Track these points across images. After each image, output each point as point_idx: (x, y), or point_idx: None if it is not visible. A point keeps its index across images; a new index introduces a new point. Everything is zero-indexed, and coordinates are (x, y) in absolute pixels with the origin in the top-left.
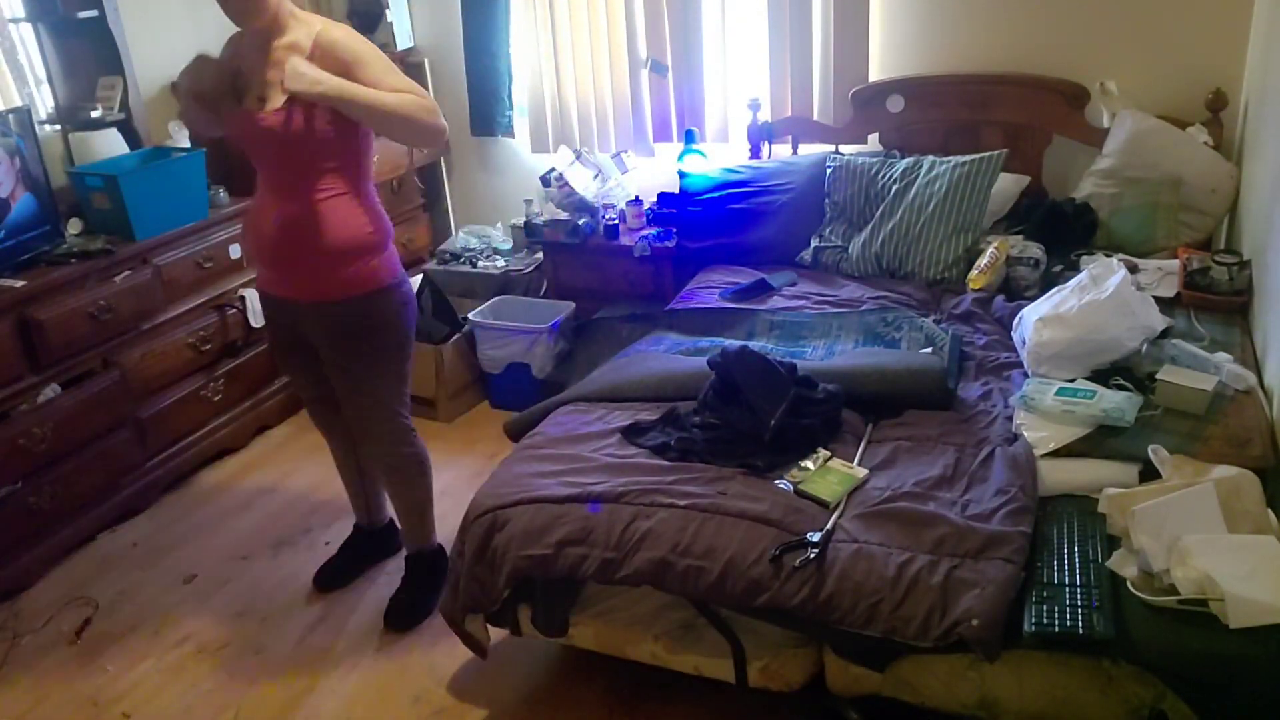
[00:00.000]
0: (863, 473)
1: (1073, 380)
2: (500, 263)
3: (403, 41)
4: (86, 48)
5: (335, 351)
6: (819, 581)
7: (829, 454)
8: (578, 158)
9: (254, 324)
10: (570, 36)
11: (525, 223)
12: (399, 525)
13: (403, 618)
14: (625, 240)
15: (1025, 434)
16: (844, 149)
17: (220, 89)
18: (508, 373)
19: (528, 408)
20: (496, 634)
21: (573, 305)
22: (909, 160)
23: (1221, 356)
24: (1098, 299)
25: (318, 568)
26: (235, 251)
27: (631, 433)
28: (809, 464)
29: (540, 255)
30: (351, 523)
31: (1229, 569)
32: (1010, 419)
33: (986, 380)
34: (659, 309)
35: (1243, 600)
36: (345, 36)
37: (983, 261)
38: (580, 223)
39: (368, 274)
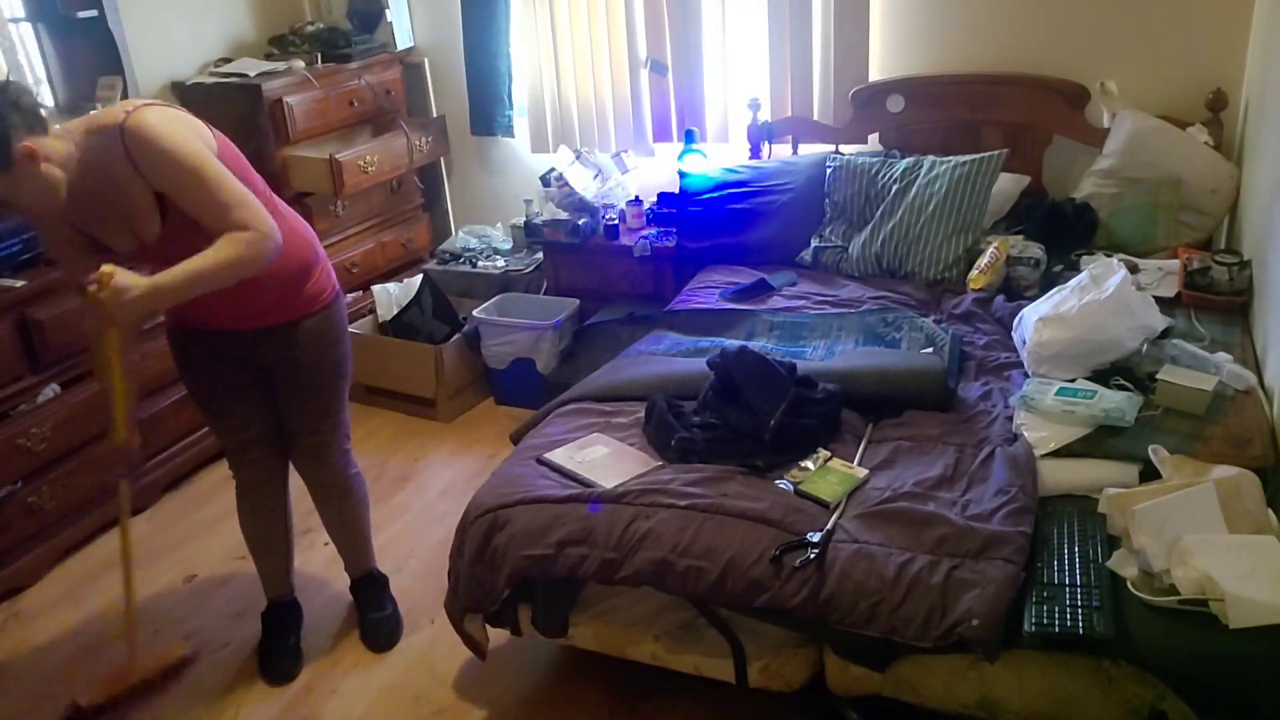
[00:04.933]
0: (863, 473)
1: (1073, 380)
2: (500, 263)
3: (403, 41)
4: (86, 48)
5: (299, 372)
6: (819, 582)
7: (829, 454)
8: (578, 158)
9: None
10: (570, 36)
11: (525, 223)
12: (350, 552)
13: (394, 634)
14: (625, 240)
15: (1025, 434)
16: (844, 149)
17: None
18: (512, 369)
19: (532, 403)
20: (496, 634)
21: (576, 302)
22: (909, 160)
23: (1221, 356)
24: (1098, 299)
25: (260, 662)
26: None
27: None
28: (809, 464)
29: (540, 255)
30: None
31: (1229, 569)
32: (1010, 419)
33: (986, 380)
34: (659, 309)
35: (1243, 600)
36: (147, 151)
37: (983, 261)
38: (580, 223)
39: (316, 291)
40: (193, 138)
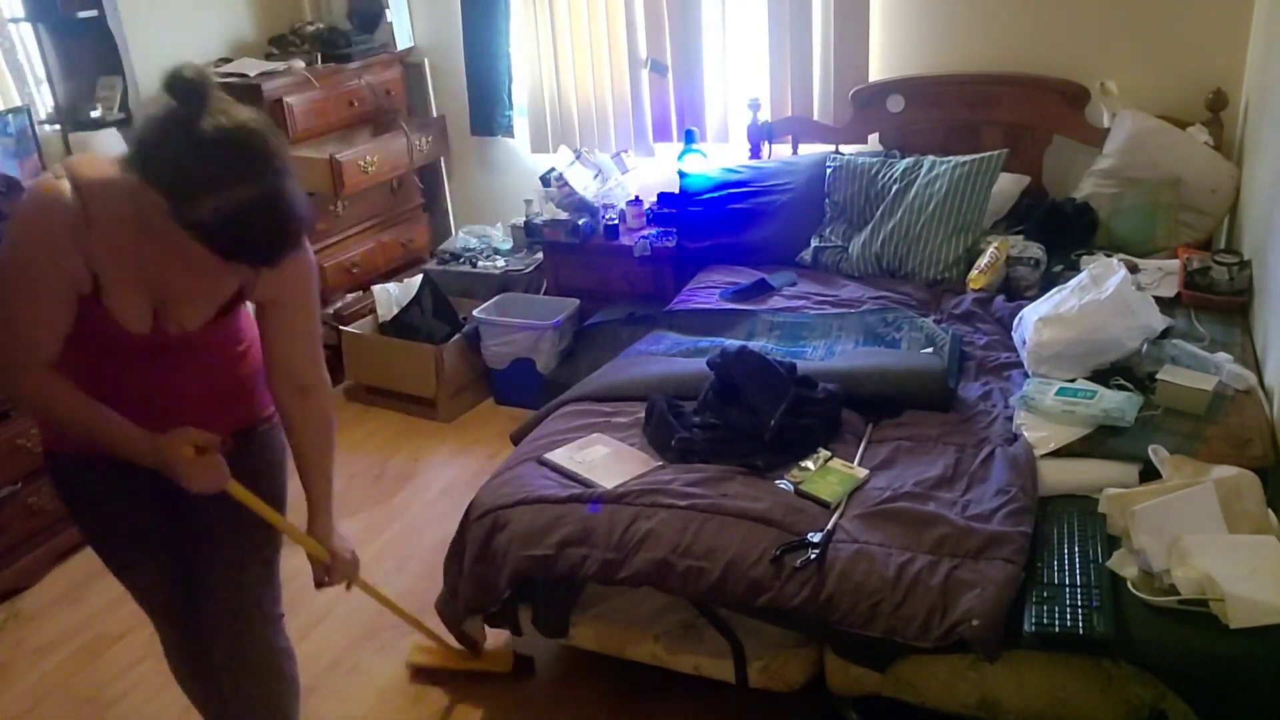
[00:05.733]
0: (863, 473)
1: (1073, 380)
2: (500, 263)
3: (403, 41)
4: (86, 48)
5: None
6: (819, 582)
7: (829, 454)
8: (578, 158)
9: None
10: (570, 36)
11: (525, 223)
12: None
13: None
14: (625, 240)
15: (1025, 434)
16: (844, 149)
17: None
18: (513, 368)
19: (532, 403)
20: (496, 634)
21: (576, 302)
22: (909, 160)
23: (1221, 356)
24: (1098, 299)
25: None
26: None
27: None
28: (809, 464)
29: (540, 255)
30: None
31: (1229, 569)
32: (1010, 419)
33: (986, 380)
34: (659, 309)
35: (1243, 600)
36: None
37: (983, 261)
38: (580, 223)
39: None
40: None
